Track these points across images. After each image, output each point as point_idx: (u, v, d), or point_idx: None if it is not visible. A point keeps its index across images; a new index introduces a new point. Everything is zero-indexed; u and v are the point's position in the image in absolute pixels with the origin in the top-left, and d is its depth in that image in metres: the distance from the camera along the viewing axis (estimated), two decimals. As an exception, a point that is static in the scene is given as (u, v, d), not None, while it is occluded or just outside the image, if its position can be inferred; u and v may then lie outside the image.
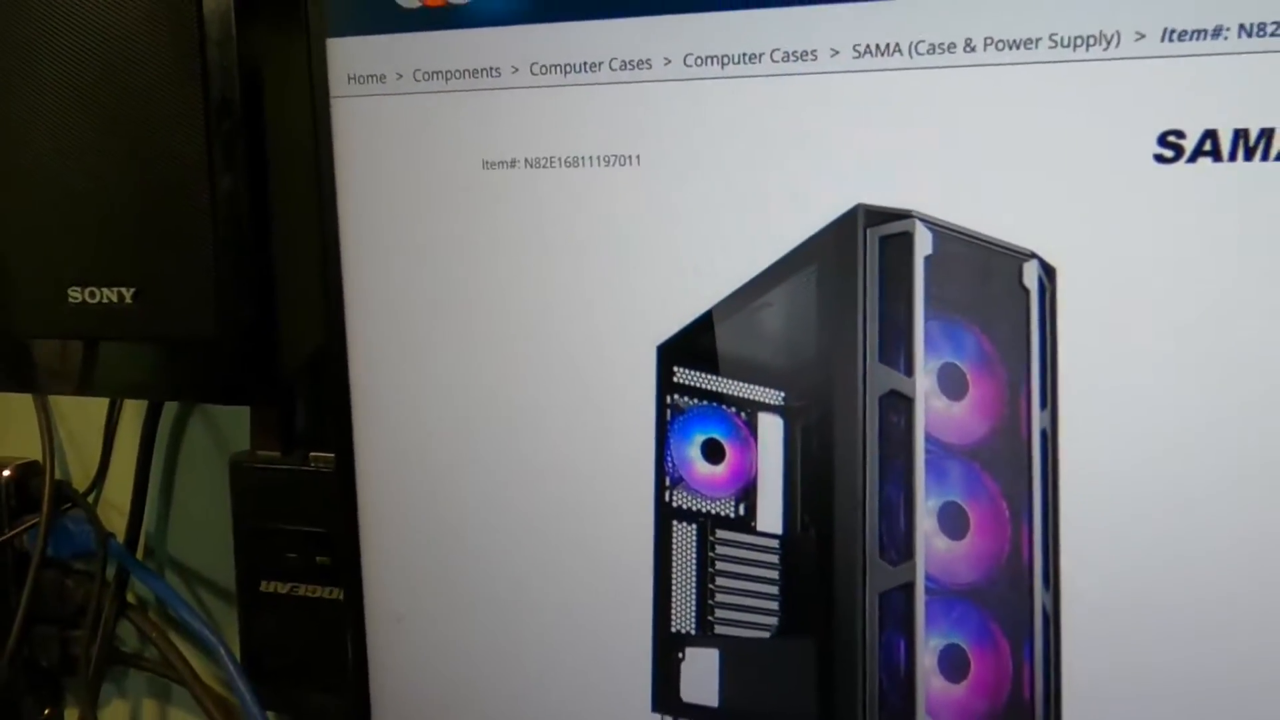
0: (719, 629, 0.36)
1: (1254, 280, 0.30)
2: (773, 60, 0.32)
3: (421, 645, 0.41)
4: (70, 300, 0.41)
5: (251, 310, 0.40)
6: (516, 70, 0.35)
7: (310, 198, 0.39)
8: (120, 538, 0.56)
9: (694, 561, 0.36)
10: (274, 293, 0.41)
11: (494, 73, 0.36)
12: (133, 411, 0.55)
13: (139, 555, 0.57)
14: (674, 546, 0.37)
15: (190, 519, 0.58)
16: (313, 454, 0.50)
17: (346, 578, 0.42)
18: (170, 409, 0.55)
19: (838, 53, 0.32)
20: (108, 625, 0.56)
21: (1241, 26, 0.29)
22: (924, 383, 0.33)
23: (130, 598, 0.58)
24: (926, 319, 0.33)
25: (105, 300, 0.40)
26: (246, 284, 0.40)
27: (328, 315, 0.40)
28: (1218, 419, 0.31)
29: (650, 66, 0.34)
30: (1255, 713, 0.31)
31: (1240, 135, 0.29)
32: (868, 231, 0.33)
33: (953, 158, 0.31)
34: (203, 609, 0.56)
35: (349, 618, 0.42)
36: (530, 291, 0.37)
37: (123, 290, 0.40)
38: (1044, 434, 0.32)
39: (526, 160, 0.36)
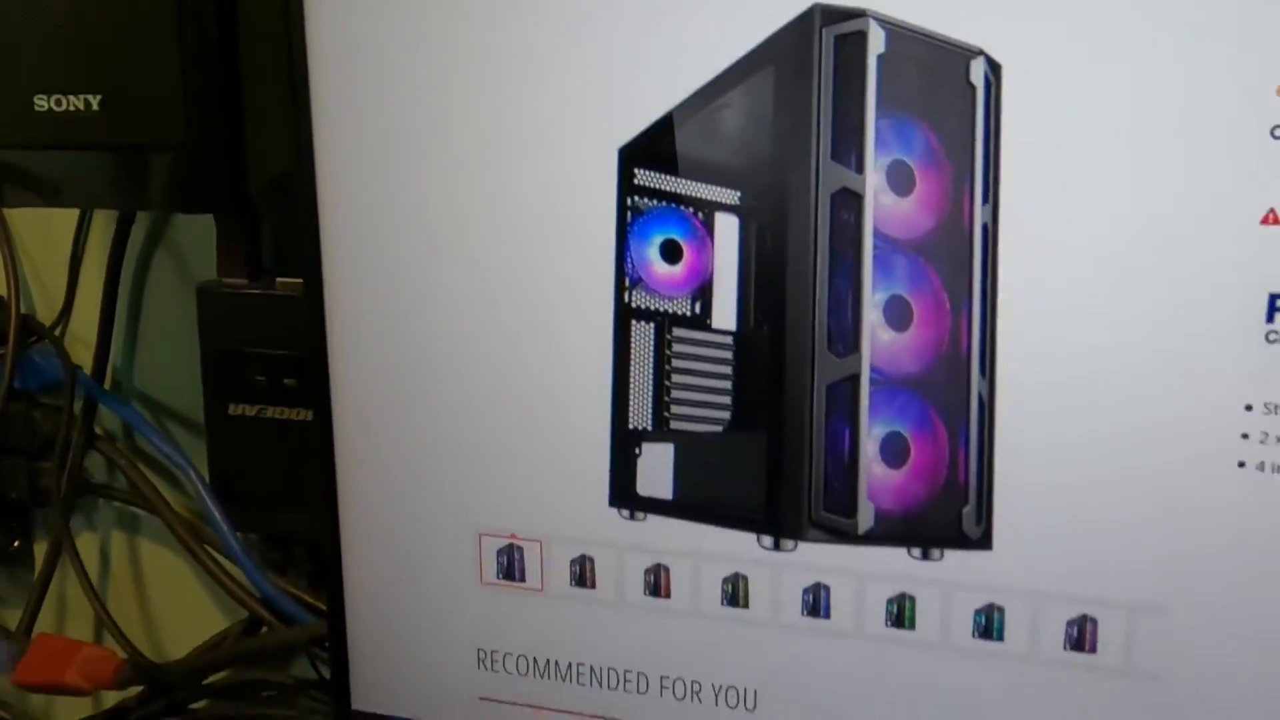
0: (674, 424, 0.38)
1: (1200, 79, 0.31)
2: None
3: (389, 454, 0.42)
4: (36, 108, 0.41)
5: (220, 117, 0.41)
6: None
7: (277, 5, 0.39)
8: (87, 370, 0.57)
9: (651, 359, 0.38)
10: (242, 102, 0.41)
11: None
12: (98, 244, 0.56)
13: (106, 386, 0.58)
14: (632, 345, 0.38)
15: (157, 350, 0.58)
16: (280, 279, 0.51)
17: (316, 395, 0.43)
18: (136, 240, 0.56)
19: None
20: (76, 456, 0.58)
21: None
22: (873, 179, 0.35)
23: (98, 430, 0.59)
24: (877, 117, 0.34)
25: (72, 108, 0.41)
26: (214, 91, 0.40)
27: (295, 130, 0.40)
28: (1156, 218, 0.32)
29: None
30: (1172, 490, 0.34)
31: (1180, -69, 0.30)
32: (823, 31, 0.34)
33: (907, -44, 0.32)
34: (171, 439, 0.57)
35: (318, 434, 0.44)
36: (494, 102, 0.38)
37: (89, 97, 0.40)
38: (985, 228, 0.34)
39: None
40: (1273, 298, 0.32)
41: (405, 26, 0.38)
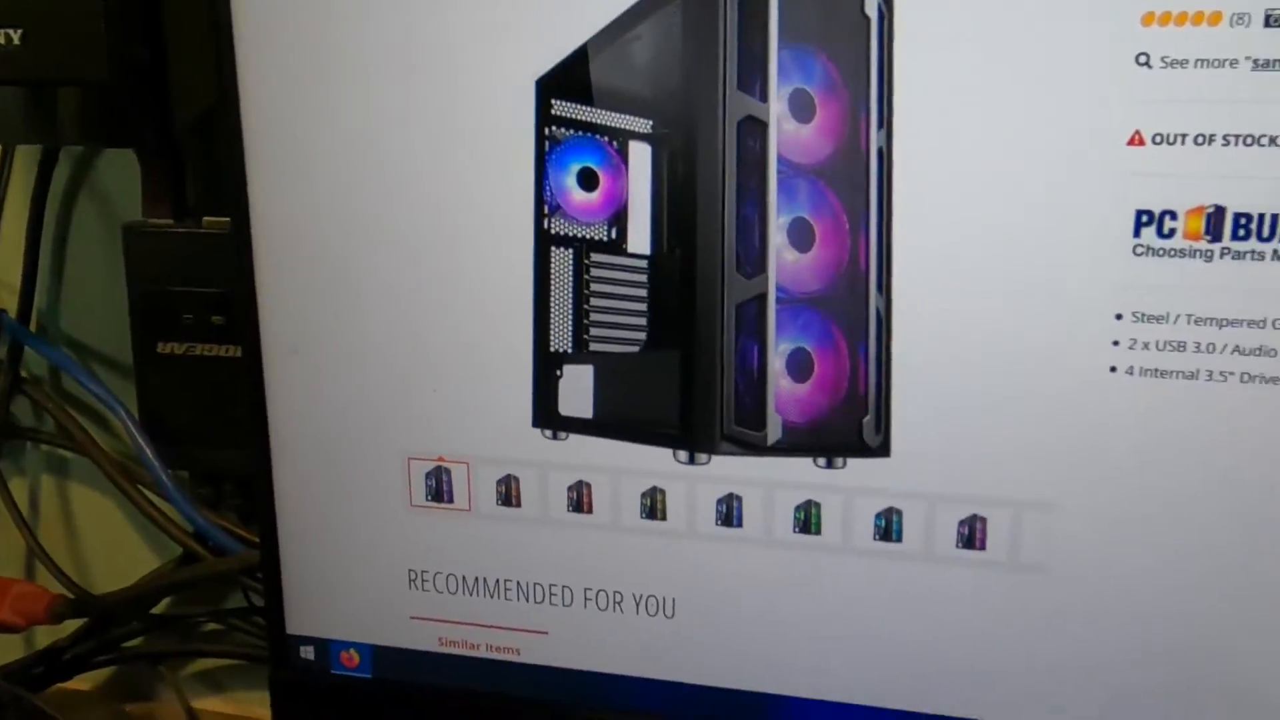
0: (593, 346, 0.40)
1: (1071, 11, 0.34)
2: None
3: (316, 379, 0.44)
4: (-45, 43, 0.41)
5: (143, 52, 0.41)
6: None
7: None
8: (12, 313, 0.57)
9: (570, 284, 0.40)
10: (164, 38, 0.42)
11: None
12: (20, 185, 0.56)
13: (32, 329, 0.58)
14: (552, 271, 0.40)
15: (83, 291, 0.59)
16: (206, 218, 0.51)
17: (245, 330, 0.44)
18: (59, 182, 0.56)
19: None
20: (3, 401, 0.58)
21: None
22: (776, 108, 0.37)
23: (24, 374, 0.59)
24: (779, 48, 0.36)
25: (-8, 43, 0.41)
26: (136, 26, 0.41)
27: (219, 66, 0.41)
28: (1032, 141, 0.35)
29: None
30: (1052, 396, 0.36)
31: None
32: (728, -33, 0.36)
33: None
34: (99, 380, 0.58)
35: (247, 367, 0.45)
36: (415, 36, 0.39)
37: (9, 31, 0.41)
38: (880, 152, 0.36)
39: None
40: (1139, 213, 0.34)
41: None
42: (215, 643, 0.59)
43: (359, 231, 0.41)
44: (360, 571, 0.45)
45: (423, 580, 0.44)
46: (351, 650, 0.46)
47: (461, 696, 0.46)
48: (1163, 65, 0.33)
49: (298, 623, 0.47)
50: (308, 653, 0.47)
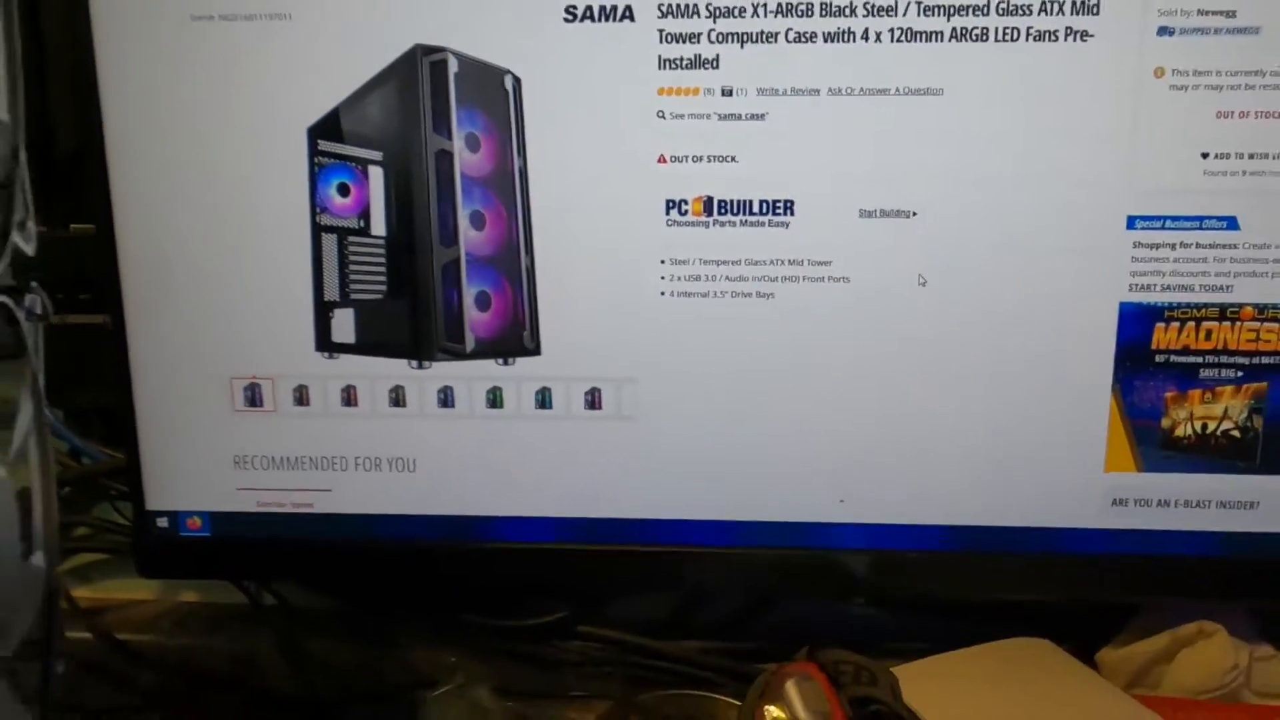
0: (353, 296, 0.63)
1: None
2: (364, -41, 0.58)
3: (168, 331, 0.64)
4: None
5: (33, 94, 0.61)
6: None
7: None
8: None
9: (336, 256, 0.62)
10: (46, 84, 0.62)
11: (196, -41, 0.59)
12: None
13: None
14: (324, 249, 0.62)
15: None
16: (73, 225, 0.71)
17: (109, 296, 0.64)
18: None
19: (401, -43, 0.58)
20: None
21: (600, -48, 0.57)
22: (458, 143, 0.60)
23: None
24: (457, 107, 0.60)
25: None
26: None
27: (85, 108, 0.61)
28: (607, 163, 0.60)
29: (294, -40, 0.58)
30: (620, 312, 0.61)
31: None
32: (423, 59, 0.59)
33: (464, 25, 0.58)
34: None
35: (113, 330, 0.65)
36: (237, 97, 0.61)
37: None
38: (520, 170, 0.60)
39: (222, 16, 0.59)
40: (667, 201, 0.60)
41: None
42: (86, 542, 0.77)
43: (205, 221, 0.62)
44: (199, 460, 0.66)
45: (244, 462, 0.66)
46: (195, 517, 0.67)
47: (275, 543, 0.67)
48: (672, 118, 0.59)
49: (154, 500, 0.67)
50: (162, 522, 0.67)
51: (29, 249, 0.45)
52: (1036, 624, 0.67)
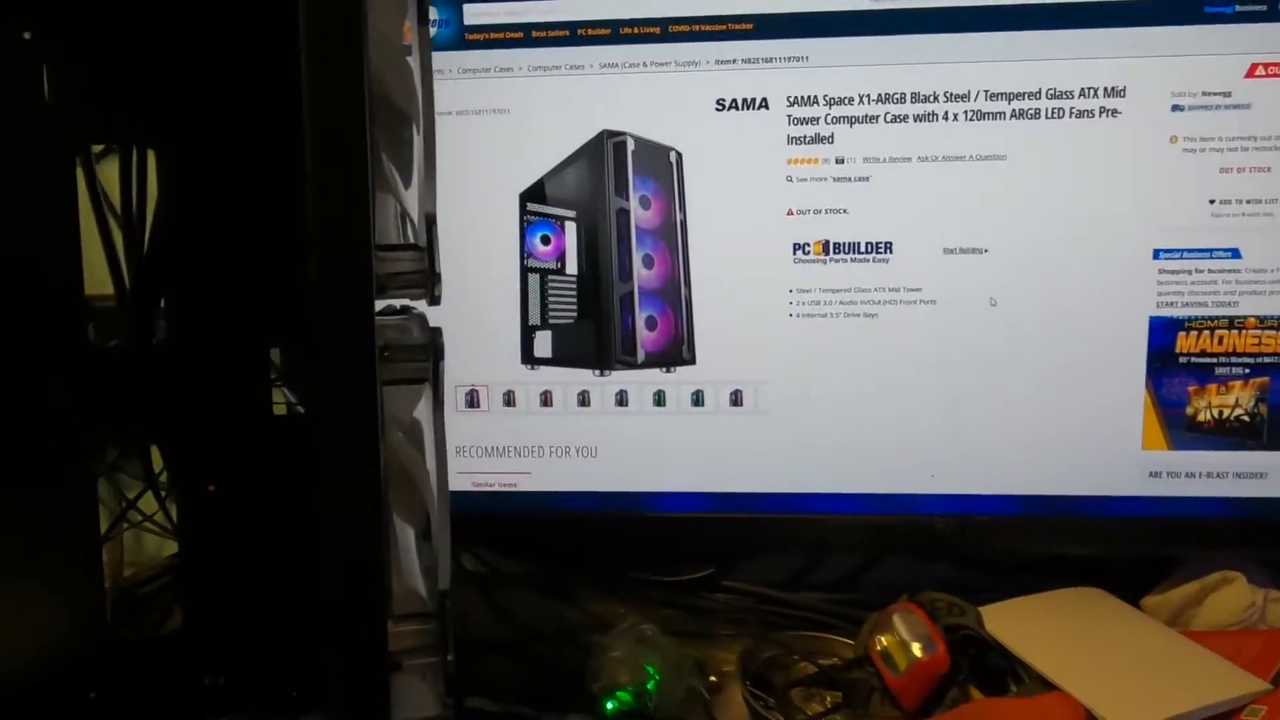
0: (550, 321, 0.82)
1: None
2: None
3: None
4: None
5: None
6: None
7: None
8: None
9: (539, 291, 0.81)
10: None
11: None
12: None
13: None
14: (529, 286, 0.81)
15: None
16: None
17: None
18: None
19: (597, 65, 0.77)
20: None
21: None
22: (634, 203, 0.79)
23: None
24: (633, 175, 0.79)
25: None
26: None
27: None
28: (748, 219, 0.78)
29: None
30: (751, 328, 0.80)
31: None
32: (607, 140, 0.79)
33: (638, 114, 0.78)
34: None
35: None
36: (474, 171, 0.80)
37: None
38: (683, 222, 0.79)
39: (458, 112, 0.79)
40: (794, 245, 0.78)
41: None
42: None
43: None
44: (428, 451, 0.85)
45: (464, 451, 0.85)
46: (423, 495, 0.86)
47: (485, 516, 0.86)
48: (798, 181, 0.77)
49: (393, 483, 0.86)
50: (398, 499, 0.86)
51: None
52: (1089, 578, 0.83)
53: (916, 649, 0.73)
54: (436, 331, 0.43)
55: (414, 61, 0.38)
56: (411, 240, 0.42)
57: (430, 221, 0.44)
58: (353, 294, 0.36)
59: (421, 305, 0.45)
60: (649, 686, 0.77)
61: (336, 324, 0.36)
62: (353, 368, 0.36)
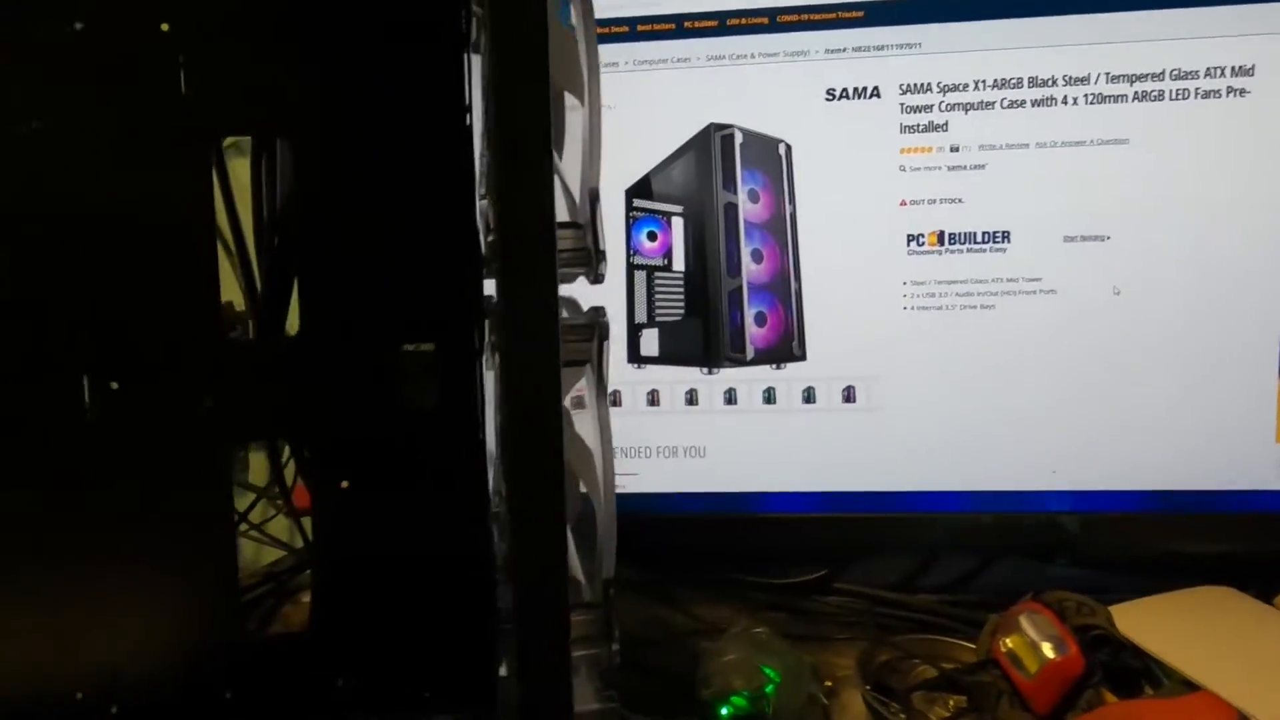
0: (657, 318, 0.80)
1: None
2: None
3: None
4: None
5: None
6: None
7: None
8: None
9: (645, 288, 0.80)
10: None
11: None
12: None
13: None
14: (635, 284, 0.80)
15: None
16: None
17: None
18: None
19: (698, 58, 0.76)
20: None
21: None
22: (742, 197, 0.78)
23: None
24: (741, 169, 0.78)
25: None
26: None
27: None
28: (862, 209, 0.77)
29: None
30: (868, 320, 0.78)
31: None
32: (715, 134, 0.77)
33: (746, 106, 0.76)
34: None
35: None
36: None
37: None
38: (792, 215, 0.78)
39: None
40: (908, 236, 0.76)
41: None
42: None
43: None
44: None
45: (568, 453, 0.84)
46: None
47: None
48: (911, 171, 0.76)
49: (496, 486, 0.85)
50: (502, 503, 0.85)
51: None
52: (1216, 575, 0.80)
53: (1048, 650, 0.71)
54: (599, 310, 0.42)
55: (579, 34, 0.37)
56: (570, 219, 0.41)
57: (594, 198, 0.42)
58: (537, 280, 0.35)
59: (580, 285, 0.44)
60: (767, 690, 0.75)
61: (522, 310, 0.35)
62: (538, 354, 0.35)
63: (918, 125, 0.75)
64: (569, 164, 0.41)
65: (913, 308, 0.77)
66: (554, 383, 0.35)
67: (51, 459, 0.53)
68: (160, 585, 0.53)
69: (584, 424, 0.43)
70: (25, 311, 0.53)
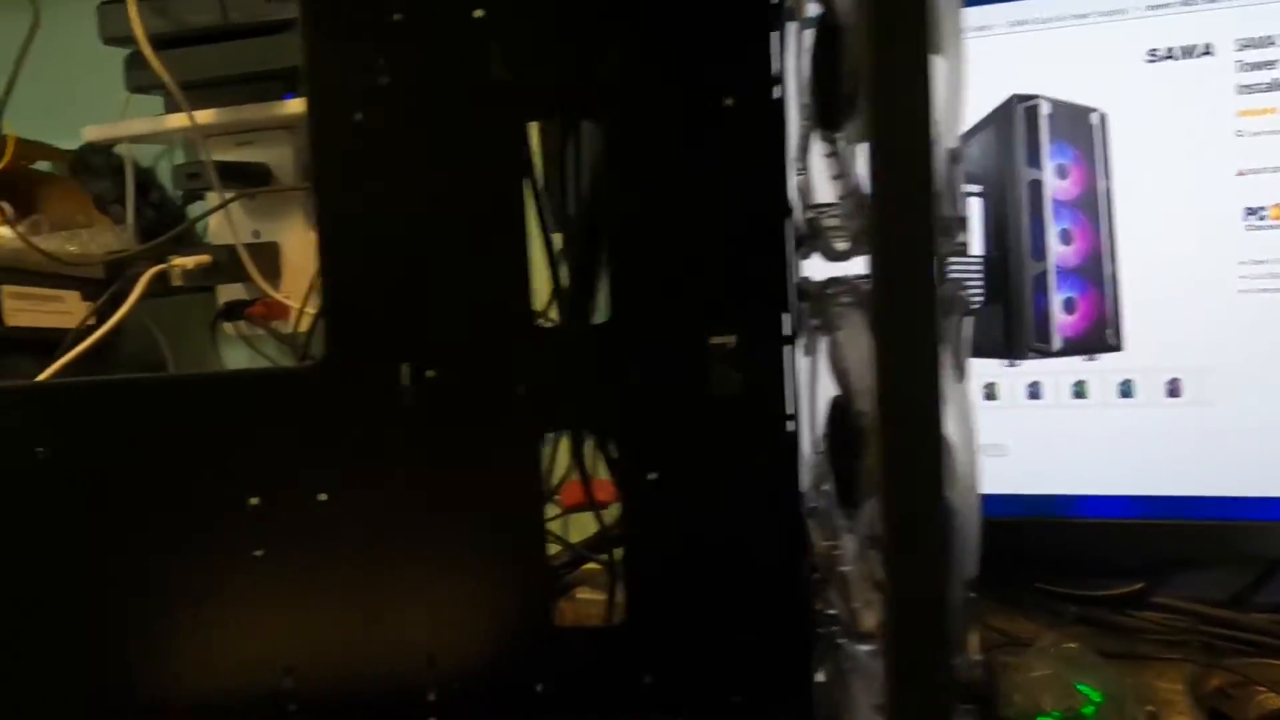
0: (952, 307, 0.75)
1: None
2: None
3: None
4: None
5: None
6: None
7: None
8: None
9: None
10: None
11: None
12: None
13: None
14: (927, 269, 0.75)
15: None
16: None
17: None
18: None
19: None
20: None
21: None
22: (1048, 173, 0.72)
23: None
24: (1049, 142, 0.71)
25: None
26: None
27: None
28: (1197, 181, 0.69)
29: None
30: (1194, 311, 0.70)
31: (1185, 48, 0.68)
32: (1017, 106, 0.72)
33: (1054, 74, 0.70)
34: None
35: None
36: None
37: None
38: (1107, 190, 0.71)
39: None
40: (1246, 209, 0.68)
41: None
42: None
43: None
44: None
45: (854, 450, 0.79)
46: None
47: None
48: (1250, 136, 0.67)
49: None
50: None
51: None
52: None
53: None
54: (954, 283, 0.38)
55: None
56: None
57: (955, 158, 0.39)
58: (915, 254, 0.32)
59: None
60: (1085, 711, 0.68)
61: (900, 287, 0.32)
62: (917, 332, 0.32)
63: (1259, 84, 0.67)
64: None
65: (1251, 290, 0.69)
66: (932, 368, 0.31)
67: (370, 447, 0.54)
68: (474, 572, 0.53)
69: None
70: (354, 301, 0.54)
